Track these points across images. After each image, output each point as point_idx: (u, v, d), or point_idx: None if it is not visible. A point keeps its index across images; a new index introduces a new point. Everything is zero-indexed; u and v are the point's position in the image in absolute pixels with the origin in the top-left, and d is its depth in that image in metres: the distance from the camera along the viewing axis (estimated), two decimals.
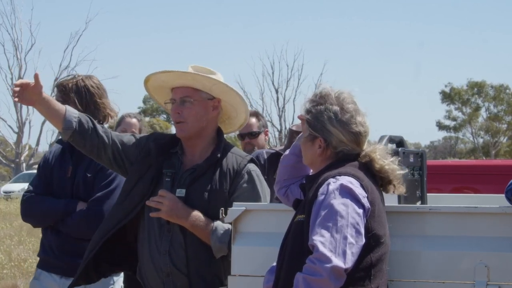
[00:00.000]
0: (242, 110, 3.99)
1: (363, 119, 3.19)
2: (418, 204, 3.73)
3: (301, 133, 3.31)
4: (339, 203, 2.95)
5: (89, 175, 4.43)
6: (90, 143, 3.84)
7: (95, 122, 3.88)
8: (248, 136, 5.96)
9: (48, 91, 4.66)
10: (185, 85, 3.84)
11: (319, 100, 3.21)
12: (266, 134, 6.21)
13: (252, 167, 3.87)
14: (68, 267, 4.42)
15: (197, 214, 3.73)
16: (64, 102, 4.19)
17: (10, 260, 12.21)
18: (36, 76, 3.67)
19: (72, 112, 3.82)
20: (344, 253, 2.86)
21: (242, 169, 3.83)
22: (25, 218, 4.61)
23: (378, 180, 3.18)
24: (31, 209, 4.50)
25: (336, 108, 3.17)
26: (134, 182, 3.85)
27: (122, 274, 4.47)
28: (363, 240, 2.95)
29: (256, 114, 6.10)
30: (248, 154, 4.06)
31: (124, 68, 72.06)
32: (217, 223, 3.72)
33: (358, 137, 3.17)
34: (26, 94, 3.69)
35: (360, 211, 2.98)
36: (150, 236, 3.83)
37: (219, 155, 3.83)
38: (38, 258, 4.66)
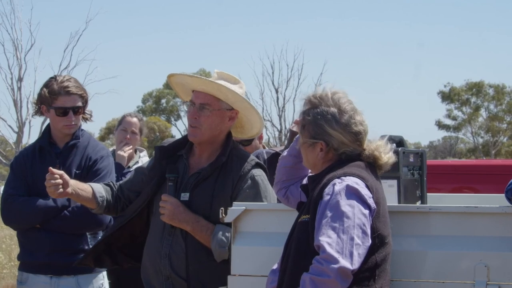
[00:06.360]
0: (257, 126, 4.04)
1: (361, 117, 3.19)
2: (418, 204, 3.73)
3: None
4: (345, 204, 2.95)
5: (77, 171, 4.43)
6: (114, 211, 4.05)
7: (113, 186, 4.05)
8: (241, 144, 5.85)
9: None
10: (208, 92, 3.85)
11: (315, 102, 3.20)
12: (261, 138, 6.11)
13: (257, 172, 3.87)
14: (60, 266, 4.42)
15: (198, 218, 3.76)
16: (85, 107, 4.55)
17: (10, 260, 12.21)
18: (63, 175, 3.83)
19: (99, 194, 3.96)
20: (351, 254, 2.87)
21: (246, 174, 3.83)
22: (13, 219, 4.50)
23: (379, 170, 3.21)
24: (21, 210, 4.41)
25: (333, 109, 3.16)
26: (147, 184, 3.95)
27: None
28: (369, 241, 2.95)
29: None
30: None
31: (124, 68, 72.09)
32: (218, 227, 3.72)
33: (358, 137, 3.17)
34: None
35: (366, 212, 2.98)
36: (153, 239, 3.87)
37: (224, 159, 3.85)
38: None
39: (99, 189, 3.98)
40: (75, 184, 3.88)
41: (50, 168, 3.82)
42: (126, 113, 6.07)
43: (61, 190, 3.79)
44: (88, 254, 4.06)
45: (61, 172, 3.82)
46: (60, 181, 3.78)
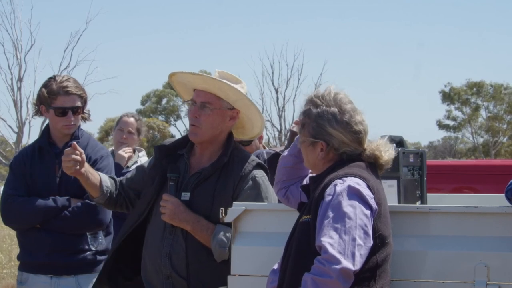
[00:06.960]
0: (258, 125, 4.04)
1: (361, 117, 3.19)
2: (418, 204, 3.73)
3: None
4: (347, 204, 2.95)
5: None
6: (113, 204, 4.05)
7: (116, 180, 4.05)
8: (241, 144, 5.80)
9: None
10: (209, 90, 3.85)
11: (316, 101, 3.20)
12: (261, 139, 6.09)
13: (258, 172, 3.87)
14: (60, 266, 4.43)
15: (198, 218, 3.76)
16: (84, 107, 4.55)
17: (10, 260, 12.21)
18: (82, 154, 3.83)
19: (105, 183, 3.97)
20: (353, 255, 2.86)
21: (247, 174, 3.83)
22: (13, 220, 4.50)
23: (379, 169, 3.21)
24: (21, 210, 4.42)
25: (334, 109, 3.16)
26: (147, 184, 3.94)
27: None
28: (371, 242, 2.95)
29: None
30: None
31: (124, 68, 72.14)
32: (219, 227, 3.72)
33: (359, 136, 3.17)
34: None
35: (368, 212, 2.98)
36: (154, 238, 3.87)
37: (225, 160, 3.85)
38: None
39: (106, 179, 4.00)
40: (87, 167, 3.90)
41: (74, 143, 3.83)
42: (124, 113, 6.09)
43: (77, 167, 3.80)
44: (100, 276, 4.02)
45: (81, 150, 3.83)
46: (79, 158, 3.80)
